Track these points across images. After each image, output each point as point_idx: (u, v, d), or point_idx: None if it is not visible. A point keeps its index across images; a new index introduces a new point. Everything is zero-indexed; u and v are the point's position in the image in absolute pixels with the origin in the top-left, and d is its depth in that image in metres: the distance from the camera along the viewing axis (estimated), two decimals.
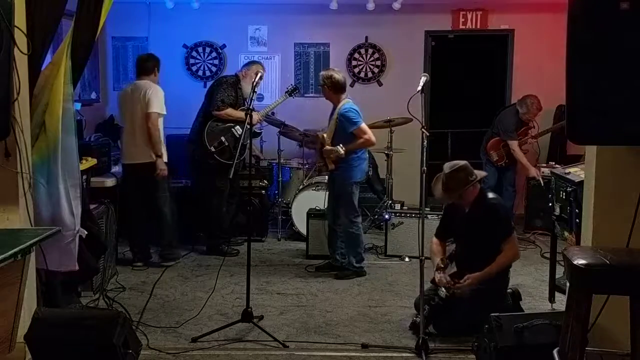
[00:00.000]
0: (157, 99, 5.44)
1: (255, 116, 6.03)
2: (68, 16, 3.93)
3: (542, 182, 6.62)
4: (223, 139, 5.92)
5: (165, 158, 5.57)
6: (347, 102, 5.37)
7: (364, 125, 5.30)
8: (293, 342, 3.99)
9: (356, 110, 5.31)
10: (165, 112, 5.55)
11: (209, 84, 6.58)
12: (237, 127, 5.95)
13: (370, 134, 5.30)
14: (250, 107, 4.41)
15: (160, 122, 5.57)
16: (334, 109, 5.42)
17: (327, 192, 5.71)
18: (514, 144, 6.99)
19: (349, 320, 4.41)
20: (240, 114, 5.74)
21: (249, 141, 4.69)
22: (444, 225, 4.49)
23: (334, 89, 5.36)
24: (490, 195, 4.26)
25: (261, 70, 5.64)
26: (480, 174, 4.27)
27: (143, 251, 5.70)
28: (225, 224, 6.14)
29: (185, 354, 3.78)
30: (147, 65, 5.63)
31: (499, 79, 8.11)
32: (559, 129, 6.92)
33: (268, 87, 7.85)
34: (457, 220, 4.32)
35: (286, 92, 6.33)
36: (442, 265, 4.20)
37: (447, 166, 4.21)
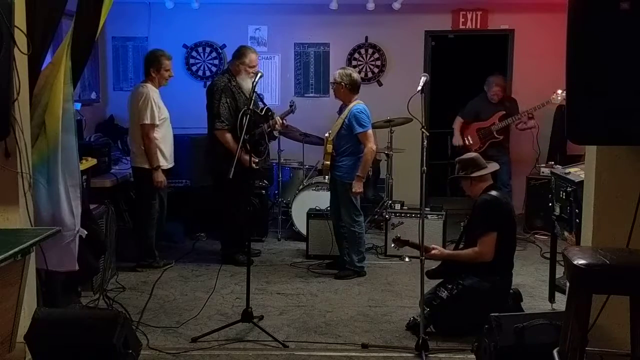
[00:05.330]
0: (146, 109, 5.28)
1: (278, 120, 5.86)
2: (68, 16, 3.93)
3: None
4: (256, 132, 5.58)
5: (168, 164, 5.52)
6: (359, 103, 5.36)
7: (370, 132, 5.30)
8: (293, 342, 3.99)
9: (368, 115, 5.32)
10: (157, 122, 5.35)
11: (209, 83, 6.55)
12: (264, 125, 5.66)
13: (372, 143, 5.29)
14: (251, 107, 4.38)
15: (167, 126, 5.48)
16: (343, 108, 5.40)
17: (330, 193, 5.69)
18: (457, 120, 7.19)
19: (349, 320, 4.41)
20: (234, 146, 5.13)
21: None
22: None
23: (351, 88, 5.35)
24: (490, 192, 4.22)
25: (253, 56, 5.55)
26: (489, 169, 4.31)
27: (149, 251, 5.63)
28: (238, 232, 5.72)
29: (185, 354, 3.78)
30: (145, 69, 5.55)
31: None
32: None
33: (268, 87, 7.85)
34: None
35: (290, 107, 6.16)
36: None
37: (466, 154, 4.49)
